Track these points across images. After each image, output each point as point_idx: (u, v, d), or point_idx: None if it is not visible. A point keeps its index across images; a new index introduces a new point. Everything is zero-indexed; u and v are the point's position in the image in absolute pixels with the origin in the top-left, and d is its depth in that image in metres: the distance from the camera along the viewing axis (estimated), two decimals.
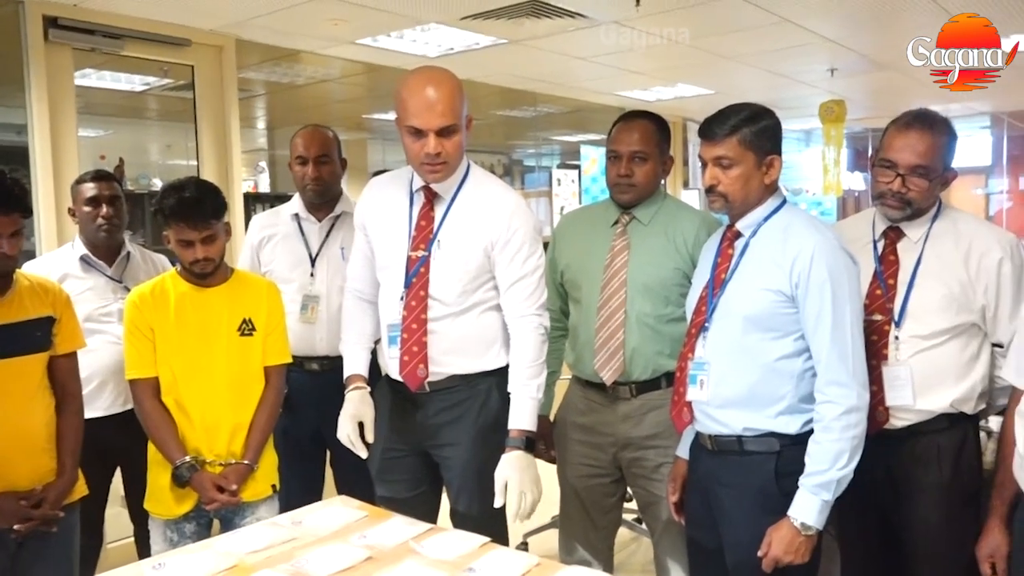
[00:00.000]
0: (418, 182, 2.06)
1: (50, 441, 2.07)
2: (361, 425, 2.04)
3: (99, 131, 7.07)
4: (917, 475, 1.95)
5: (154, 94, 5.45)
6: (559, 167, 7.34)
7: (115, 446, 2.52)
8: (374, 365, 2.21)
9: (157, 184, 5.23)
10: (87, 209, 2.60)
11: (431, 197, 2.06)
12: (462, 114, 1.98)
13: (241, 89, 5.32)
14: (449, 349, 2.04)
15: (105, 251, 2.65)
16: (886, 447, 1.92)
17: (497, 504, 1.90)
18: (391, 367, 2.09)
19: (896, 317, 1.93)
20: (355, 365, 2.14)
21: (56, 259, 2.68)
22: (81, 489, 2.15)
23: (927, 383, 1.92)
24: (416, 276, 2.02)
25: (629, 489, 2.40)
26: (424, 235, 2.04)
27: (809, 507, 1.72)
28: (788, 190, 9.63)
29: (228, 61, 3.88)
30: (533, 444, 1.99)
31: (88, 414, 2.46)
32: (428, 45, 4.23)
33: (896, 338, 1.92)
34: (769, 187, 1.86)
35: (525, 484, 1.89)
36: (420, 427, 2.11)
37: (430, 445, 2.13)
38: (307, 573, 1.66)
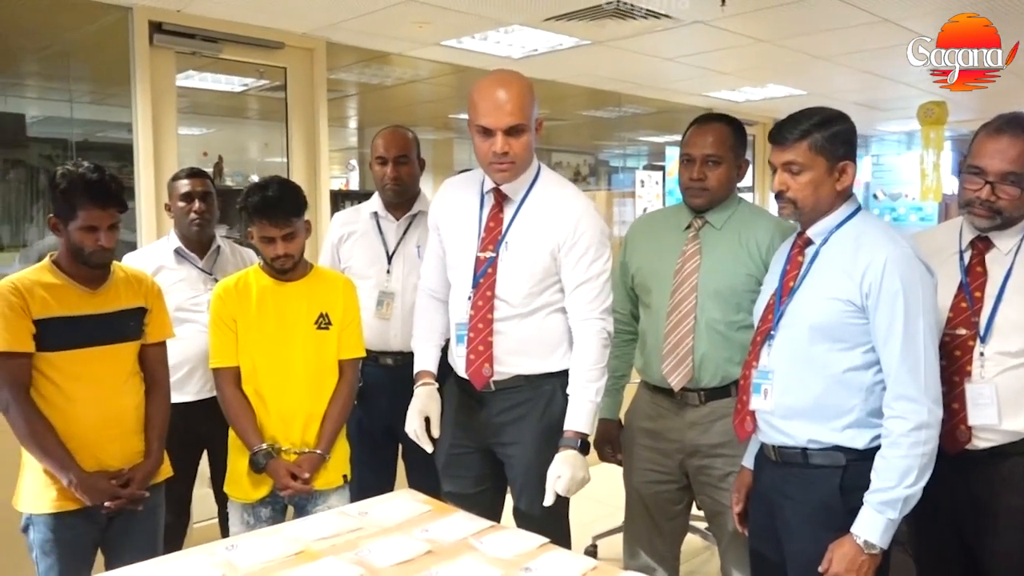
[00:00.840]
0: (489, 184, 2.10)
1: (139, 424, 2.20)
2: (428, 420, 2.08)
3: (203, 129, 7.44)
4: (1002, 499, 1.86)
5: (252, 94, 5.69)
6: (645, 168, 7.27)
7: (202, 430, 2.65)
8: (445, 362, 2.26)
9: (254, 180, 5.46)
10: (181, 204, 2.75)
11: (501, 199, 2.09)
12: (531, 115, 2.00)
13: (333, 90, 5.50)
14: (514, 349, 2.07)
15: (197, 244, 2.79)
16: (968, 469, 1.84)
17: (546, 503, 1.91)
18: (458, 365, 2.13)
19: (982, 332, 1.84)
20: (425, 361, 2.19)
21: (153, 251, 2.85)
22: (166, 470, 2.27)
23: (1014, 402, 1.83)
24: (484, 276, 2.06)
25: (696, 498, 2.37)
26: (493, 236, 2.07)
27: (873, 525, 1.67)
28: (887, 194, 9.25)
29: (319, 63, 4.02)
30: (587, 446, 1.99)
31: (178, 399, 2.61)
32: (512, 47, 4.27)
33: (981, 354, 1.83)
34: (841, 193, 1.81)
35: (576, 484, 1.91)
36: (485, 425, 2.15)
37: (494, 443, 2.17)
38: (369, 563, 1.72)
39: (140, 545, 2.11)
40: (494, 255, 2.06)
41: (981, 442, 1.84)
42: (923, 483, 1.66)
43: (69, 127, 5.33)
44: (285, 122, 4.04)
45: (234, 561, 1.72)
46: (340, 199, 6.02)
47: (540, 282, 2.06)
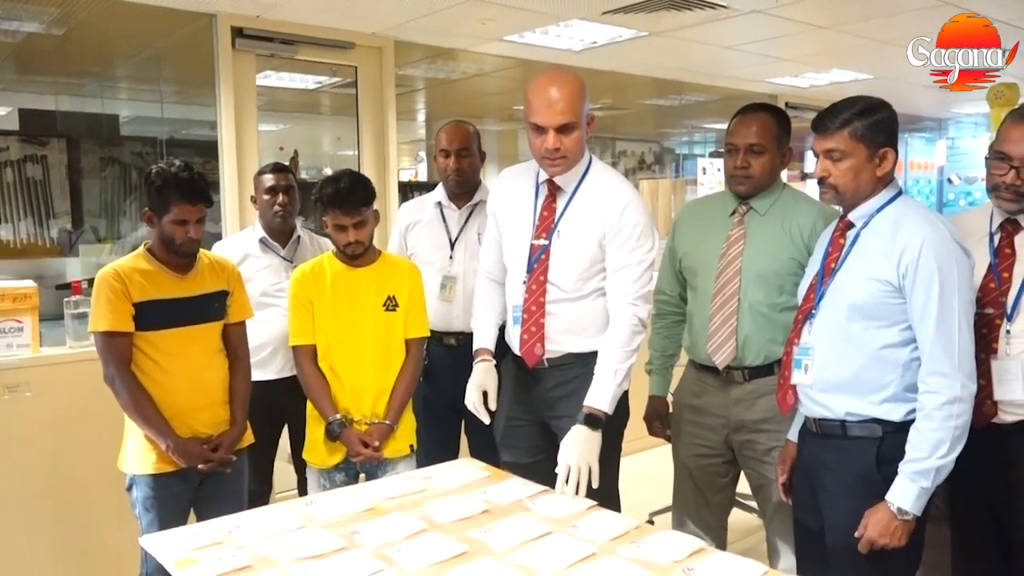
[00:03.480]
0: (543, 175, 2.23)
1: (225, 396, 2.43)
2: (486, 394, 2.23)
3: (279, 125, 7.76)
4: None
5: (325, 91, 5.93)
6: (711, 155, 7.27)
7: (283, 405, 2.86)
8: (504, 340, 2.41)
9: (328, 173, 5.70)
10: (266, 197, 2.96)
11: (554, 190, 2.23)
12: (582, 113, 2.12)
13: (402, 85, 5.72)
14: (565, 329, 2.21)
15: (280, 234, 3.00)
16: (997, 442, 1.90)
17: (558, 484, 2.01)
18: (514, 344, 2.28)
19: (1008, 311, 1.89)
20: (483, 339, 2.34)
21: (239, 240, 3.07)
22: (249, 438, 2.50)
23: None
24: (537, 263, 2.20)
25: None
26: (546, 225, 2.21)
27: (907, 493, 1.75)
28: (962, 178, 8.99)
29: (387, 61, 4.22)
30: (599, 423, 2.06)
31: (262, 376, 2.84)
32: (572, 40, 4.38)
33: (1008, 332, 1.89)
34: (882, 179, 1.88)
35: (572, 458, 1.98)
36: (539, 399, 2.30)
37: (548, 416, 2.31)
38: (432, 518, 1.89)
39: (228, 503, 2.32)
40: (547, 243, 2.19)
41: (1008, 416, 1.90)
42: (955, 454, 1.74)
43: (159, 126, 5.68)
44: (356, 117, 4.26)
45: (313, 514, 1.92)
46: (409, 190, 6.22)
47: (589, 268, 2.19)
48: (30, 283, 3.03)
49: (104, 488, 2.82)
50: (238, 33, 3.72)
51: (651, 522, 3.67)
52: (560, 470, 2.00)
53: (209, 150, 3.97)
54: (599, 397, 2.08)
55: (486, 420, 2.23)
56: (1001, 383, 1.89)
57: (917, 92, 6.78)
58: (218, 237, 3.54)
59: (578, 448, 2.01)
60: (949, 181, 9.11)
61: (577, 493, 1.97)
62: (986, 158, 2.00)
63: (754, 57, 4.98)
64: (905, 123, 8.82)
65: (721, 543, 2.55)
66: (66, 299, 3.10)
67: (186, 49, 4.29)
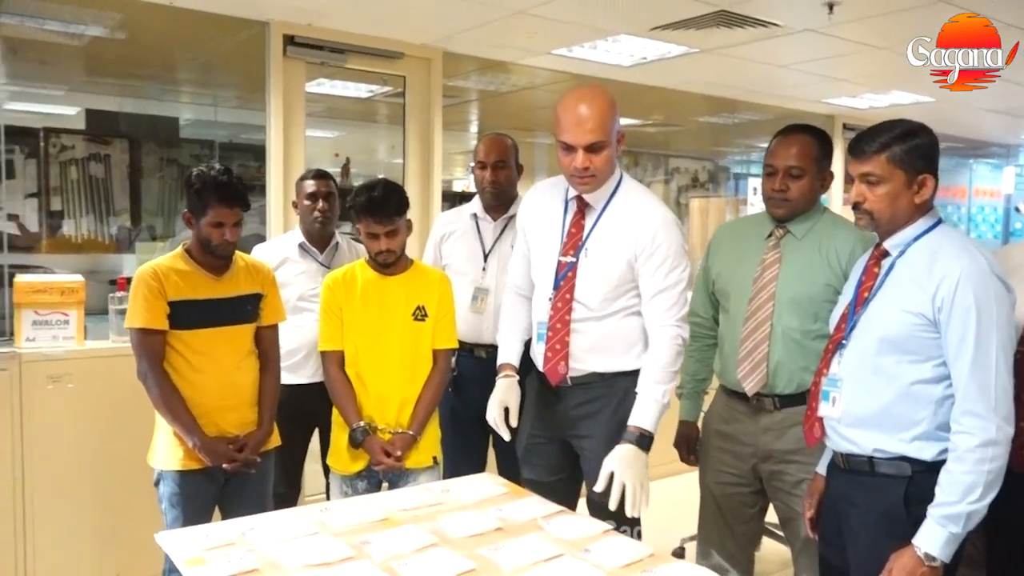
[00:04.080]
0: (572, 191, 2.21)
1: (254, 397, 2.46)
2: (507, 410, 2.22)
3: (335, 132, 7.88)
4: None
5: (378, 100, 6.01)
6: None
7: (315, 409, 2.88)
8: (529, 356, 2.39)
9: None
10: (307, 203, 3.01)
11: (583, 206, 2.21)
12: (612, 131, 2.09)
13: (453, 96, 5.75)
14: (591, 348, 2.18)
15: (319, 240, 3.04)
16: None
17: (596, 489, 1.97)
18: (538, 361, 2.26)
19: None
20: (507, 354, 2.33)
21: (279, 244, 3.13)
22: (275, 440, 2.53)
23: None
24: (564, 280, 2.18)
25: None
26: (574, 242, 2.19)
27: (935, 538, 1.67)
28: None
29: (435, 72, 4.25)
30: (648, 444, 2.03)
31: (295, 380, 2.88)
32: (621, 55, 4.36)
33: None
34: (920, 207, 1.81)
35: (627, 476, 1.94)
36: (561, 417, 2.27)
37: (570, 435, 2.28)
38: (443, 532, 1.88)
39: (252, 503, 2.35)
40: (574, 260, 2.17)
41: None
42: (988, 500, 1.66)
43: (216, 129, 5.82)
44: (402, 126, 4.30)
45: (326, 521, 1.93)
46: (460, 199, 6.25)
47: (616, 287, 2.15)
48: (78, 278, 3.13)
49: (139, 479, 2.86)
50: (289, 41, 3.79)
51: (682, 548, 3.61)
52: (614, 489, 1.95)
53: (263, 154, 4.05)
54: (644, 416, 2.05)
55: (506, 436, 2.21)
56: None
57: (983, 117, 6.56)
58: (263, 239, 3.61)
59: (632, 467, 1.97)
60: (1017, 210, 8.79)
61: (636, 512, 1.94)
62: None
63: (809, 76, 4.88)
64: (971, 148, 8.54)
65: (747, 574, 2.48)
66: (110, 295, 3.20)
67: (241, 55, 4.38)
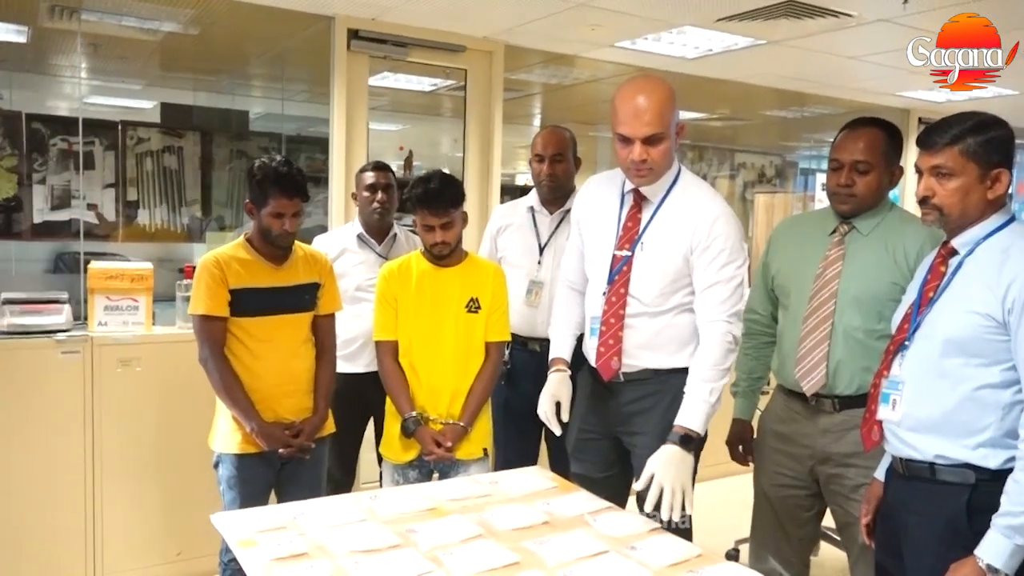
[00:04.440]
0: (629, 184, 2.19)
1: (310, 385, 2.51)
2: (559, 405, 2.21)
3: (400, 125, 7.98)
4: None
5: (441, 93, 6.05)
6: None
7: (370, 398, 2.92)
8: (581, 350, 2.37)
9: None
10: (366, 195, 3.06)
11: (639, 200, 2.17)
12: (670, 123, 2.05)
13: (516, 89, 5.75)
14: (644, 344, 2.15)
15: (377, 231, 3.08)
16: None
17: (636, 487, 1.95)
18: (590, 355, 2.24)
19: None
20: (560, 349, 2.32)
21: (339, 235, 3.18)
22: (330, 427, 2.57)
23: None
24: (619, 274, 2.15)
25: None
26: (630, 235, 2.16)
27: (998, 549, 1.60)
28: None
29: (496, 65, 4.26)
30: (692, 443, 1.99)
31: (351, 369, 2.93)
32: (685, 47, 4.28)
33: None
34: (993, 203, 1.73)
35: (667, 479, 1.90)
36: (613, 413, 2.25)
37: (621, 431, 2.26)
38: (490, 524, 1.88)
39: (306, 488, 2.41)
40: (630, 254, 2.14)
41: None
42: None
43: (285, 122, 5.95)
44: (463, 119, 4.32)
45: (375, 508, 1.95)
46: (521, 194, 6.23)
47: (673, 283, 2.12)
48: (148, 265, 3.24)
49: (201, 461, 2.95)
50: (353, 35, 3.83)
51: (736, 550, 3.53)
52: (652, 491, 1.92)
53: (324, 146, 4.12)
54: (692, 417, 2.01)
55: (557, 431, 2.21)
56: None
57: None
58: (325, 229, 3.67)
59: (672, 469, 1.93)
60: None
61: (671, 515, 1.90)
62: None
63: (882, 68, 4.70)
64: None
65: None
66: (178, 282, 3.30)
67: (308, 50, 4.46)
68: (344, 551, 1.70)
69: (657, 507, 1.90)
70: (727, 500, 2.08)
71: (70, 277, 4.15)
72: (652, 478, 1.93)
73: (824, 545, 3.55)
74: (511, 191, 6.10)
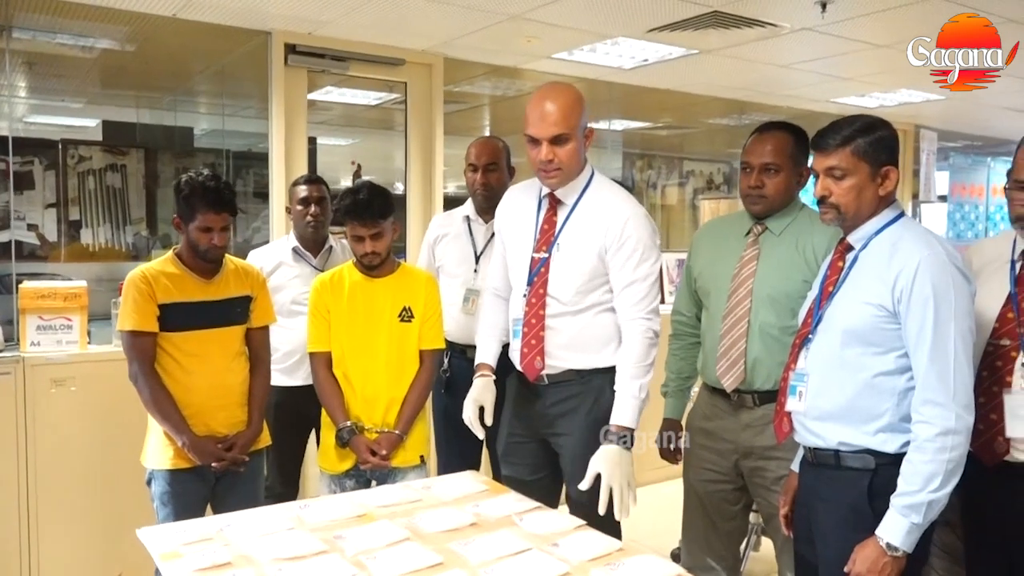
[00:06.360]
0: (545, 189, 2.25)
1: (243, 398, 2.51)
2: (482, 409, 2.25)
3: (351, 140, 7.97)
4: None
5: (390, 107, 6.08)
6: None
7: (311, 411, 2.90)
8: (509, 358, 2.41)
9: (399, 188, 5.81)
10: (299, 208, 3.07)
11: (555, 203, 2.24)
12: (577, 125, 2.13)
13: (462, 101, 5.79)
14: (566, 345, 2.20)
15: (312, 244, 3.09)
16: (1012, 480, 1.79)
17: (582, 487, 2.00)
18: (515, 358, 2.29)
19: None
20: (485, 355, 2.36)
21: (274, 248, 3.18)
22: (265, 439, 2.58)
23: None
24: (537, 275, 2.21)
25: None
26: (546, 238, 2.22)
27: (897, 528, 1.67)
28: None
29: (436, 77, 4.31)
30: (630, 441, 2.05)
31: (290, 382, 2.93)
32: (622, 58, 4.37)
33: (1022, 365, 1.78)
34: (884, 199, 1.82)
35: (615, 478, 1.97)
36: (539, 416, 2.29)
37: (547, 433, 2.30)
38: (417, 528, 1.91)
39: (243, 502, 2.38)
40: (547, 255, 2.20)
41: (1021, 454, 1.79)
42: (948, 488, 1.65)
43: (228, 139, 5.93)
44: (404, 132, 4.36)
45: (304, 517, 1.97)
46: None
47: (589, 281, 2.18)
48: (82, 283, 3.22)
49: (139, 480, 2.93)
50: (291, 49, 3.86)
51: (679, 549, 3.59)
52: (603, 493, 1.97)
53: (264, 161, 4.12)
54: (625, 414, 2.08)
55: (480, 435, 2.25)
56: (1014, 419, 1.78)
57: (999, 114, 6.46)
58: (267, 243, 3.67)
59: (618, 469, 1.99)
60: None
61: (624, 514, 1.97)
62: (1006, 188, 1.91)
63: (814, 76, 4.85)
64: (989, 146, 8.40)
65: (734, 572, 2.48)
66: (113, 300, 3.27)
67: (249, 65, 4.47)
68: (269, 559, 1.72)
69: (608, 508, 1.95)
70: (675, 504, 2.15)
71: (2, 299, 4.09)
72: (597, 478, 1.98)
73: (765, 540, 3.62)
74: (462, 202, 6.13)
